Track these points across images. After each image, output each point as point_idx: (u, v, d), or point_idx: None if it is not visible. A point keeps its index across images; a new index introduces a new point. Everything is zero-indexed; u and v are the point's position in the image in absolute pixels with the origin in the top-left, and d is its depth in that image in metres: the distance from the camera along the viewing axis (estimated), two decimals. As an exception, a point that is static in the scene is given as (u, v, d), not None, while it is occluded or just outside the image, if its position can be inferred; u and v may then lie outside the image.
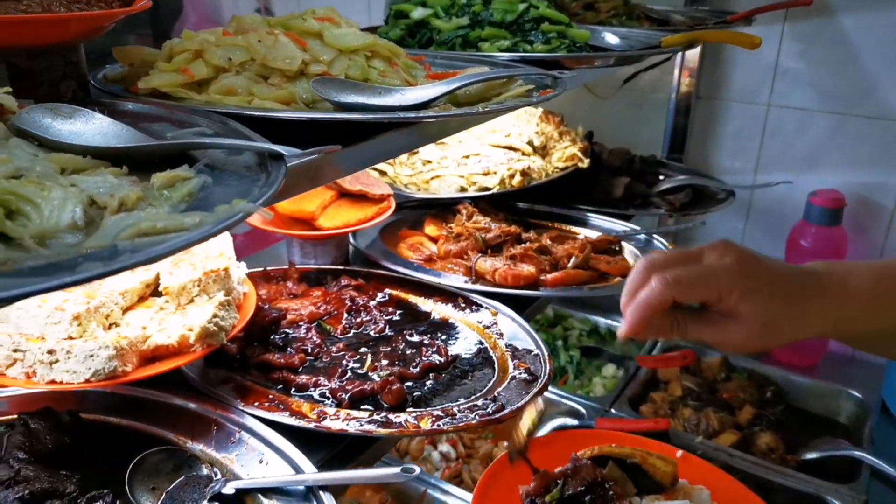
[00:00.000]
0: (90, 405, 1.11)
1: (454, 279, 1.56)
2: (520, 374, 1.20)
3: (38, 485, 0.94)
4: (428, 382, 1.20)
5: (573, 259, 1.59)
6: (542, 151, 2.07)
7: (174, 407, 1.10)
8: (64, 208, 0.57)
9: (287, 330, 1.33)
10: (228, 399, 1.11)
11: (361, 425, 1.05)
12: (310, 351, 1.26)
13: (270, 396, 1.13)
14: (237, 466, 1.01)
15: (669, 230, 2.08)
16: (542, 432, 1.85)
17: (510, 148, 2.01)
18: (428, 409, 1.11)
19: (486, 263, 1.57)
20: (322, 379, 1.17)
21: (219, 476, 0.99)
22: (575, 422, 1.98)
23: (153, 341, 1.08)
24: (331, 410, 1.09)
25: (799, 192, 2.25)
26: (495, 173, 1.89)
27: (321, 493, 0.92)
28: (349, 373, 1.21)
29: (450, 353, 1.27)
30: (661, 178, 2.26)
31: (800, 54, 2.28)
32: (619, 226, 1.89)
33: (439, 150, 2.01)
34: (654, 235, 1.81)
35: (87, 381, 1.02)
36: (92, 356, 1.01)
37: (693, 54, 2.43)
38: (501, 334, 1.34)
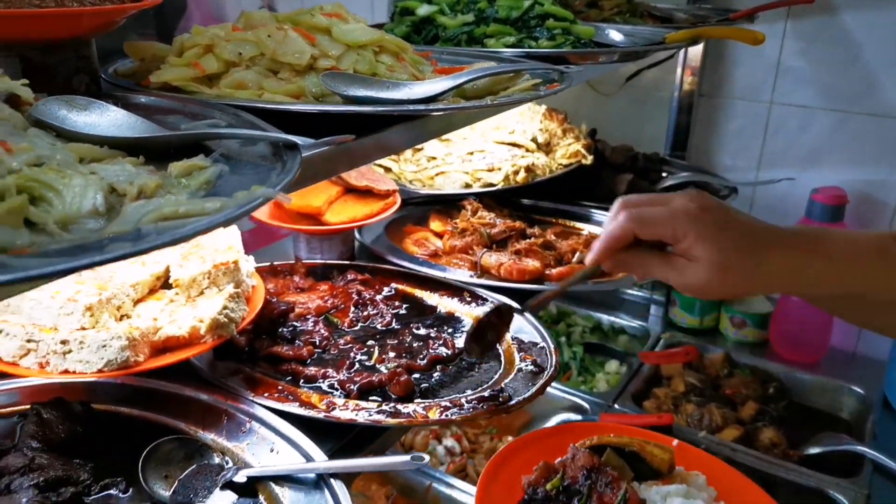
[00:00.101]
0: (101, 396, 1.13)
1: (459, 274, 1.58)
2: (526, 366, 1.22)
3: (53, 472, 0.95)
4: (435, 374, 1.22)
5: (578, 254, 1.60)
6: (546, 148, 2.08)
7: (185, 398, 1.12)
8: (85, 195, 0.58)
9: (295, 323, 1.34)
10: (238, 390, 1.12)
11: (370, 415, 1.06)
12: (318, 343, 1.28)
13: (280, 387, 1.14)
14: (248, 455, 1.02)
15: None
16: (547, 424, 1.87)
17: (514, 145, 2.02)
18: (436, 400, 1.13)
19: (491, 258, 1.58)
20: (330, 371, 1.19)
21: (230, 464, 1.01)
22: (579, 417, 1.99)
23: (164, 332, 1.10)
24: (339, 401, 1.11)
25: (801, 189, 2.26)
26: (500, 169, 1.90)
27: (332, 480, 0.94)
28: (357, 365, 1.22)
29: (456, 346, 1.28)
30: (664, 175, 2.27)
31: (802, 52, 2.29)
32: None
33: (444, 146, 2.03)
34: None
35: (100, 370, 1.03)
36: (105, 346, 1.02)
37: (696, 53, 2.45)
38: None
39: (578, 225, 1.92)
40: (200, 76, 1.00)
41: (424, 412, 1.08)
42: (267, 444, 1.03)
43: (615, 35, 1.57)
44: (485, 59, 1.25)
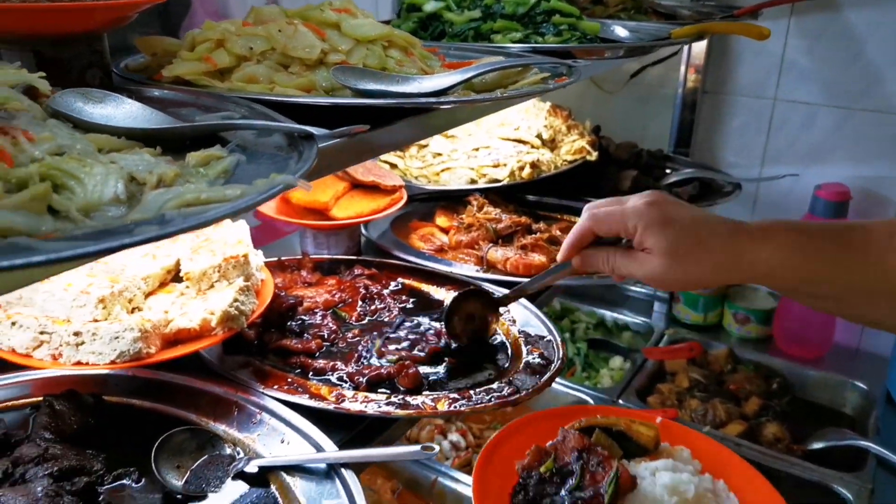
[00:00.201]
0: (112, 389, 1.13)
1: (466, 269, 1.58)
2: (533, 358, 1.23)
3: (66, 462, 0.96)
4: (443, 368, 1.22)
5: (583, 249, 1.61)
6: (551, 145, 2.09)
7: (195, 390, 1.12)
8: (106, 183, 0.59)
9: (303, 317, 1.35)
10: (248, 382, 1.13)
11: (380, 407, 1.07)
12: (326, 337, 1.28)
13: (289, 380, 1.15)
14: (259, 446, 1.03)
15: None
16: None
17: (519, 141, 2.03)
18: (444, 392, 1.14)
19: (497, 253, 1.59)
20: (339, 363, 1.20)
21: (241, 455, 1.02)
22: (583, 412, 2.00)
23: (175, 325, 1.11)
24: (349, 393, 1.12)
25: (805, 186, 2.27)
26: (505, 165, 1.91)
27: (343, 470, 0.95)
28: (365, 358, 1.23)
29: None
30: (668, 171, 2.28)
31: (806, 49, 2.30)
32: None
33: (449, 143, 2.04)
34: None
35: (113, 362, 1.04)
36: (117, 338, 1.03)
37: (699, 51, 2.45)
38: (514, 321, 1.36)
39: (583, 221, 1.92)
40: (212, 70, 1.01)
41: (433, 404, 1.08)
42: (278, 435, 1.04)
43: (620, 31, 1.58)
44: (492, 55, 1.26)
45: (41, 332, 1.06)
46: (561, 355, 1.23)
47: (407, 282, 1.53)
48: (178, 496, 0.95)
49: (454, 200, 1.92)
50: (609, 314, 2.60)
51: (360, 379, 1.15)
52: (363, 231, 1.76)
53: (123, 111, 0.81)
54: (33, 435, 1.03)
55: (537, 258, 1.56)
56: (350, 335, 1.31)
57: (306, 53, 1.01)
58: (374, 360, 1.23)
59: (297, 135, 0.71)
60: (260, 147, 0.72)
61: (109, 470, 0.98)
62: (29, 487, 0.90)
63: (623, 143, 2.34)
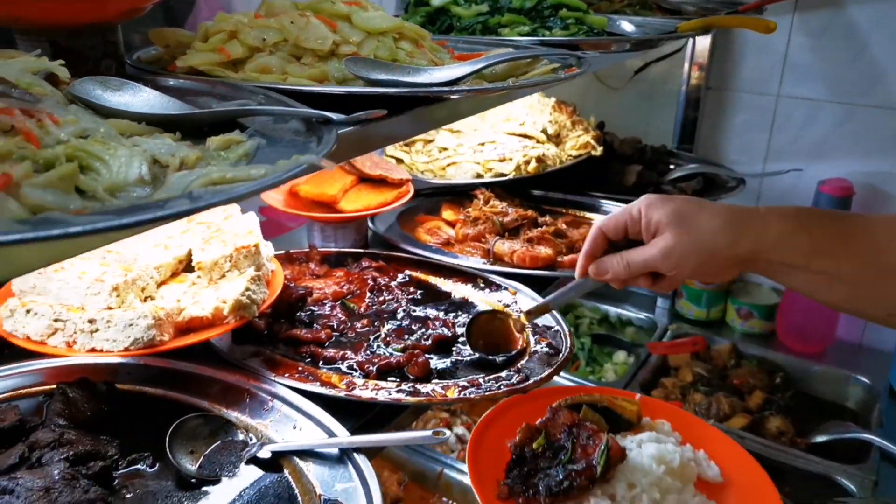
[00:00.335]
0: (125, 377, 1.14)
1: (472, 261, 1.60)
2: (542, 348, 1.24)
3: (82, 447, 0.97)
4: (452, 357, 1.23)
5: (589, 242, 1.62)
6: (556, 140, 2.10)
7: (207, 378, 1.13)
8: (131, 164, 0.60)
9: (312, 308, 1.36)
10: (260, 370, 1.14)
11: (390, 394, 1.08)
12: (336, 327, 1.30)
13: (300, 368, 1.16)
14: (271, 432, 1.04)
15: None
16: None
17: (525, 136, 2.04)
18: (454, 380, 1.15)
19: (504, 246, 1.60)
20: (349, 353, 1.21)
21: (254, 441, 1.03)
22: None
23: (188, 313, 1.12)
24: (359, 381, 1.13)
25: (808, 181, 2.28)
26: (511, 160, 1.92)
27: (355, 455, 0.96)
28: (375, 347, 1.24)
29: (457, 328, 1.30)
30: (672, 167, 2.29)
31: (809, 45, 2.31)
32: (630, 211, 1.92)
33: (455, 138, 2.05)
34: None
35: (126, 349, 1.06)
36: (131, 325, 1.04)
37: (703, 47, 2.46)
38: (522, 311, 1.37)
39: (588, 215, 1.94)
40: (225, 61, 1.02)
41: (443, 391, 1.10)
42: (290, 422, 1.05)
43: (627, 26, 1.59)
44: (501, 48, 1.27)
45: (56, 320, 1.07)
46: (569, 345, 1.24)
47: (414, 274, 1.54)
48: (193, 480, 0.97)
49: (460, 194, 1.93)
50: (613, 310, 2.61)
51: (370, 367, 1.16)
52: (370, 225, 1.77)
53: (141, 99, 0.82)
54: (48, 421, 1.04)
55: (543, 251, 1.57)
56: (359, 325, 1.32)
57: (318, 45, 1.03)
58: (383, 350, 1.24)
59: (314, 120, 0.72)
60: (278, 133, 0.73)
61: (124, 455, 1.00)
62: (46, 471, 0.91)
63: (627, 139, 2.35)
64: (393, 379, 1.15)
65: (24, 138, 0.58)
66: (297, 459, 0.98)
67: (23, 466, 0.94)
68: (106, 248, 1.22)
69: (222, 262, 1.21)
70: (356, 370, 1.17)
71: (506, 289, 1.46)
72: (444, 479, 1.78)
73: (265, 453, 0.99)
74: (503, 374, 1.15)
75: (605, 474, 1.07)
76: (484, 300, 1.44)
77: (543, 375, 1.14)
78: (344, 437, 0.99)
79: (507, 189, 1.95)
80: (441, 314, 1.37)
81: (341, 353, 1.21)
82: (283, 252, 1.57)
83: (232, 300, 1.13)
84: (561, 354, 1.21)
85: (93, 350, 1.06)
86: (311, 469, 0.97)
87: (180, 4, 2.66)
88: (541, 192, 2.01)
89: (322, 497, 0.92)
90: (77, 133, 0.63)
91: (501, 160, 1.92)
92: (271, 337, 1.26)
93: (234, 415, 1.08)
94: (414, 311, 1.38)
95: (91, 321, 1.06)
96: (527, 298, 1.42)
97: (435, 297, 1.47)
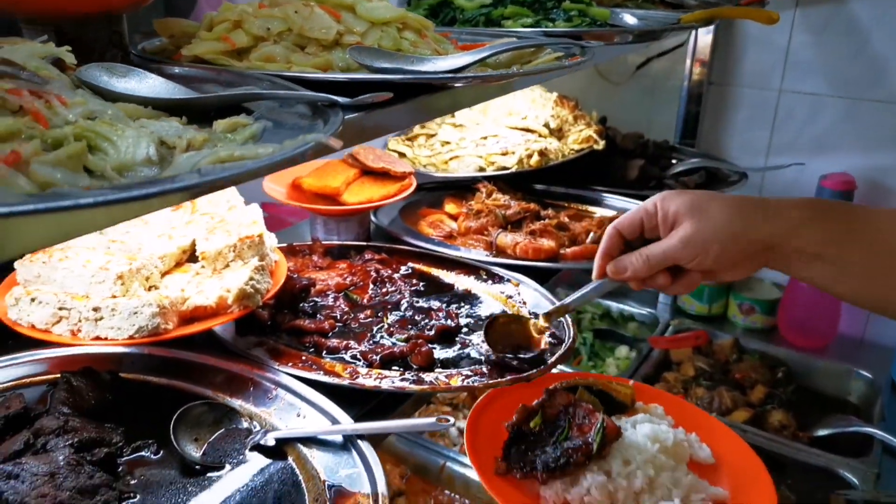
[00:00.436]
0: (128, 367, 1.15)
1: (475, 254, 1.60)
2: (545, 338, 1.24)
3: (86, 434, 0.97)
4: (455, 347, 1.24)
5: (591, 234, 1.63)
6: (558, 134, 2.10)
7: (210, 367, 1.14)
8: (138, 145, 0.61)
9: (316, 298, 1.36)
10: (263, 359, 1.14)
11: (394, 382, 1.08)
12: (339, 317, 1.30)
13: (303, 358, 1.16)
14: (276, 420, 1.04)
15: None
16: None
17: (527, 130, 2.04)
18: (457, 369, 1.15)
19: (506, 238, 1.60)
20: (352, 342, 1.21)
21: (258, 428, 1.03)
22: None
23: (192, 302, 1.12)
24: (363, 370, 1.13)
25: (810, 176, 2.29)
26: (513, 153, 1.92)
27: (360, 441, 0.96)
28: (378, 337, 1.25)
29: (459, 319, 1.31)
30: (674, 161, 2.29)
31: (811, 40, 2.31)
32: (634, 205, 1.91)
33: (457, 132, 2.05)
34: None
35: (131, 337, 1.06)
36: (136, 313, 1.05)
37: (705, 43, 2.47)
38: (525, 303, 1.38)
39: (591, 208, 1.94)
40: (230, 50, 1.03)
41: (447, 380, 1.10)
42: (294, 410, 1.05)
43: (629, 18, 1.59)
44: (505, 38, 1.27)
45: (60, 308, 1.07)
46: (571, 335, 1.24)
47: (417, 266, 1.54)
48: (197, 467, 0.97)
49: (463, 188, 1.94)
50: (615, 305, 2.61)
51: (374, 357, 1.16)
52: (373, 218, 1.77)
53: (147, 85, 0.82)
54: (52, 409, 1.04)
55: (546, 243, 1.57)
56: (362, 316, 1.32)
57: (323, 34, 1.03)
58: (387, 340, 1.24)
59: (320, 104, 0.72)
60: (284, 117, 0.73)
61: (128, 442, 1.00)
62: (51, 456, 0.91)
63: (629, 134, 2.35)
64: (396, 368, 1.15)
65: (33, 118, 0.58)
66: (301, 446, 0.98)
67: (28, 452, 0.94)
68: (110, 237, 1.22)
69: (226, 252, 1.21)
70: (359, 360, 1.18)
71: (509, 280, 1.47)
72: (447, 472, 1.78)
73: (269, 440, 0.99)
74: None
75: (601, 451, 1.08)
76: (487, 292, 1.45)
77: (546, 365, 1.14)
78: (348, 424, 0.99)
79: (510, 183, 1.96)
80: (444, 305, 1.37)
81: (345, 342, 1.21)
82: (286, 245, 1.57)
83: (236, 290, 1.13)
84: (564, 344, 1.21)
85: (97, 338, 1.07)
86: (315, 456, 0.97)
87: (180, 1, 2.67)
88: (543, 186, 2.01)
89: (326, 483, 0.92)
90: (85, 114, 0.63)
91: (504, 154, 1.93)
92: (275, 327, 1.26)
93: (238, 403, 1.08)
94: (417, 302, 1.38)
95: (96, 309, 1.06)
96: (529, 289, 1.42)
97: (438, 288, 1.47)
